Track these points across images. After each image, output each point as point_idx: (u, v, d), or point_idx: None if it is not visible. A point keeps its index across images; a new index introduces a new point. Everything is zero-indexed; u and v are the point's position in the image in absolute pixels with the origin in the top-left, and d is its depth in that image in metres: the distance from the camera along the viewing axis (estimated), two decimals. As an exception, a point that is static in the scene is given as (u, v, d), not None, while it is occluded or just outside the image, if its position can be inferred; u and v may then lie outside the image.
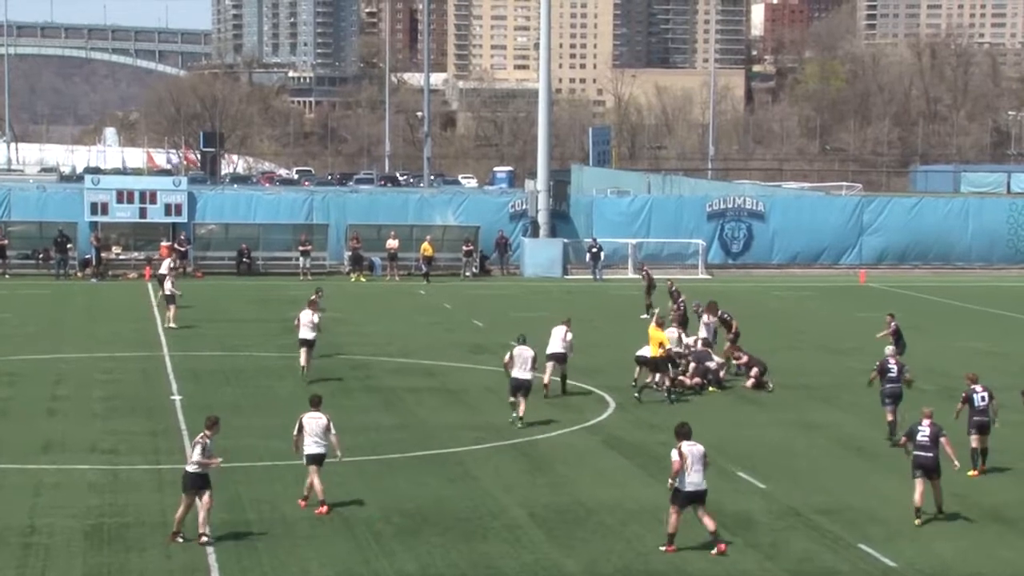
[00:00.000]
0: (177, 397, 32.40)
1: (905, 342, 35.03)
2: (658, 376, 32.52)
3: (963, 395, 26.21)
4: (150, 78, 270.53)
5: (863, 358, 37.85)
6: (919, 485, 22.65)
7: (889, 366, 28.72)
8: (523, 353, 30.24)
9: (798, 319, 49.85)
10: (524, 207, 65.95)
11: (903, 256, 68.59)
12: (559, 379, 33.13)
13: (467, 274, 62.19)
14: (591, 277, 62.08)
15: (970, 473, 25.69)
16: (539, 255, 63.80)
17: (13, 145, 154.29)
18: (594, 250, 62.57)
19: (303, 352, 34.80)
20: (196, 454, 21.02)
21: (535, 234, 64.82)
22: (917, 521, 22.70)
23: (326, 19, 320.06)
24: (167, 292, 44.21)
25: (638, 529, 22.14)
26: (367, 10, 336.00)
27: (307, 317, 34.99)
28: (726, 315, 37.25)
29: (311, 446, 22.90)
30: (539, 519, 22.59)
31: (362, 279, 60.15)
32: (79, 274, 59.58)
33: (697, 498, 21.02)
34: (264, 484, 24.48)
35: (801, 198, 76.09)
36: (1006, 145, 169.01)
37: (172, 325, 43.47)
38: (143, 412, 30.68)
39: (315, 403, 23.43)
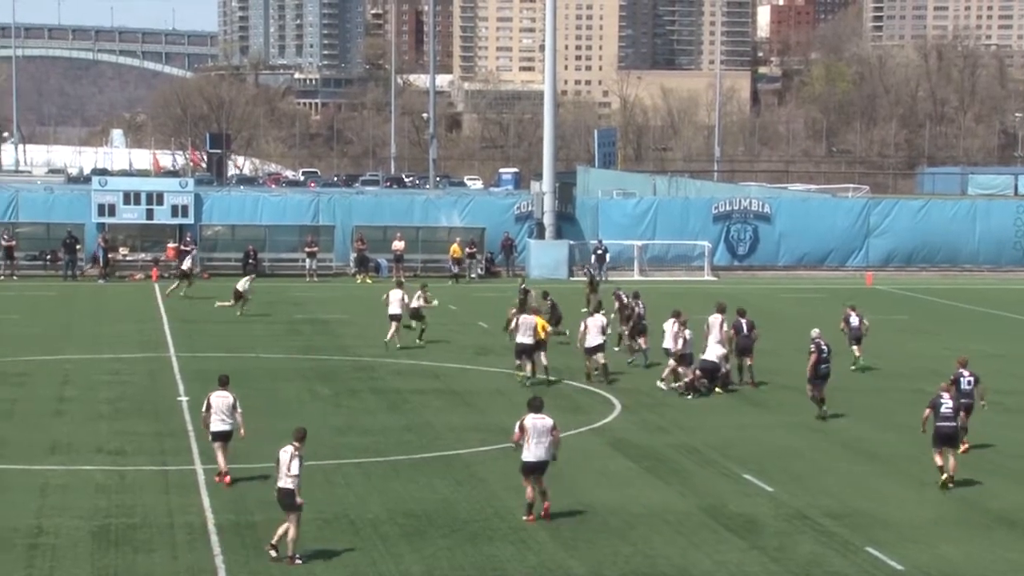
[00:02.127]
0: (184, 398, 32.39)
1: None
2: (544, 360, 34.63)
3: (951, 377, 27.02)
4: (157, 80, 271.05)
5: (871, 360, 37.84)
6: (939, 454, 24.82)
7: (822, 348, 31.01)
8: (527, 320, 34.06)
9: (804, 321, 49.65)
10: (530, 209, 65.98)
11: (910, 258, 68.52)
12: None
13: (472, 276, 62.18)
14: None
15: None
16: (545, 257, 63.77)
17: (21, 147, 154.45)
18: (599, 252, 62.53)
19: (392, 325, 39.46)
20: (295, 468, 20.23)
21: (540, 236, 64.83)
22: (944, 476, 24.74)
23: (332, 21, 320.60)
24: (185, 268, 50.26)
25: (644, 531, 22.11)
26: (373, 12, 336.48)
27: (396, 296, 39.71)
28: (632, 303, 38.36)
29: (217, 424, 23.91)
30: (545, 521, 22.54)
31: (368, 281, 60.14)
32: (87, 270, 59.72)
33: (536, 468, 22.26)
34: (270, 486, 24.39)
35: (807, 200, 76.06)
36: (1013, 147, 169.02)
37: (178, 293, 49.00)
38: (150, 413, 30.69)
39: (223, 382, 24.50)
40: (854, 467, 26.86)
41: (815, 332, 31.68)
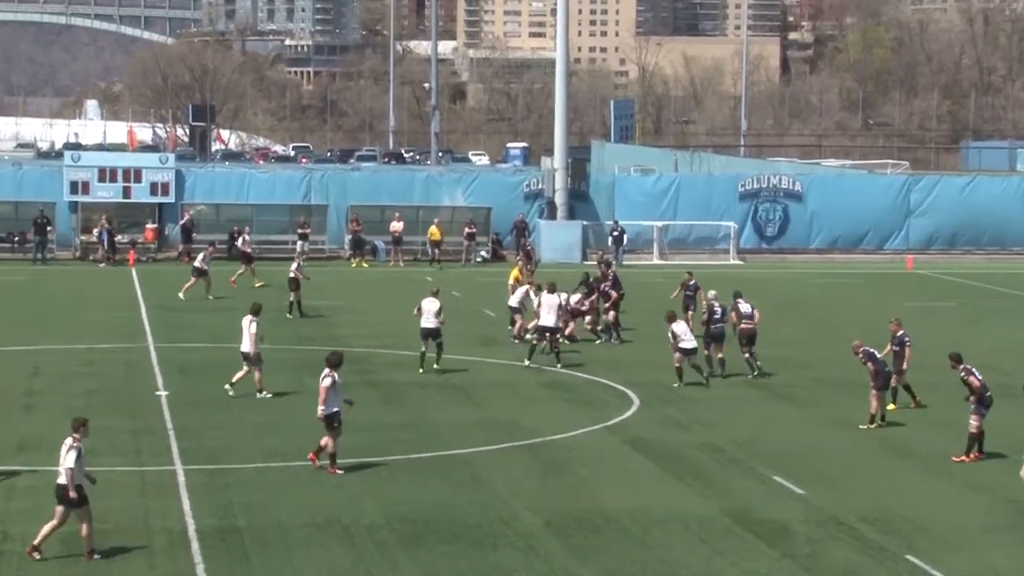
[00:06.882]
0: (163, 392, 32.38)
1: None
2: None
3: (891, 340, 31.63)
4: (135, 46, 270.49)
5: (912, 351, 37.66)
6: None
7: (715, 309, 34.45)
8: (550, 300, 36.55)
9: (838, 308, 49.66)
10: (540, 187, 65.90)
11: (954, 240, 68.35)
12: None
13: (477, 260, 61.95)
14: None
15: (890, 407, 30.69)
16: (556, 239, 63.68)
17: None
18: (616, 233, 62.44)
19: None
20: (70, 460, 20.47)
21: (552, 216, 64.75)
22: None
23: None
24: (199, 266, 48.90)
25: (662, 537, 22.05)
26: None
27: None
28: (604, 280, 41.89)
29: None
30: (555, 526, 22.50)
31: (364, 264, 60.12)
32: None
33: (331, 419, 25.32)
34: (256, 487, 24.42)
35: (842, 177, 75.87)
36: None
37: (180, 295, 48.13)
38: (126, 409, 30.65)
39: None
40: (891, 467, 26.78)
41: (712, 293, 35.48)
